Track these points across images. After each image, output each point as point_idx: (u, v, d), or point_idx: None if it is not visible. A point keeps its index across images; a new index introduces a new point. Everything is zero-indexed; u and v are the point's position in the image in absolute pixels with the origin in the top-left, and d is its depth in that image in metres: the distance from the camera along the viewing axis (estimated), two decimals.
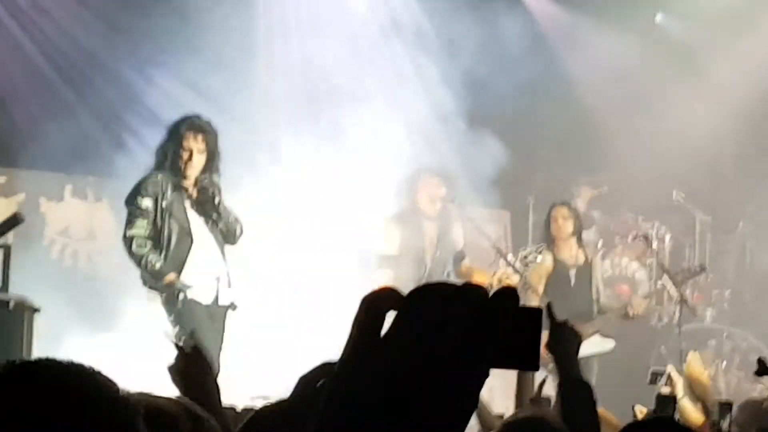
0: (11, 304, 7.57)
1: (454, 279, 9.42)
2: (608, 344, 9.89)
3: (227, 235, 8.23)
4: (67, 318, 9.79)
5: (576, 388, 4.37)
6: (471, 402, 1.24)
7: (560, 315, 9.47)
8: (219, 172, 8.24)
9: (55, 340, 9.12)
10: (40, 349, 7.66)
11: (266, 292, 9.87)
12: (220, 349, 8.03)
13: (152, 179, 8.17)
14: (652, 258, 11.27)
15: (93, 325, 9.96)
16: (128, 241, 8.15)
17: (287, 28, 11.83)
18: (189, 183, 8.18)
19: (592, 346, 9.78)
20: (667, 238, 11.64)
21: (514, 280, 9.43)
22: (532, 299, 9.86)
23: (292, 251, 10.37)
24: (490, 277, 9.41)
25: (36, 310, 7.76)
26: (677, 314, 10.10)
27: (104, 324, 9.92)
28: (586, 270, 9.93)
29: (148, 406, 1.95)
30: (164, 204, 8.08)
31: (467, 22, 11.29)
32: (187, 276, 8.07)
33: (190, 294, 8.03)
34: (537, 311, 1.27)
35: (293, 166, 10.58)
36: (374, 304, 1.26)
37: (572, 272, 9.85)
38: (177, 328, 7.88)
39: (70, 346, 9.12)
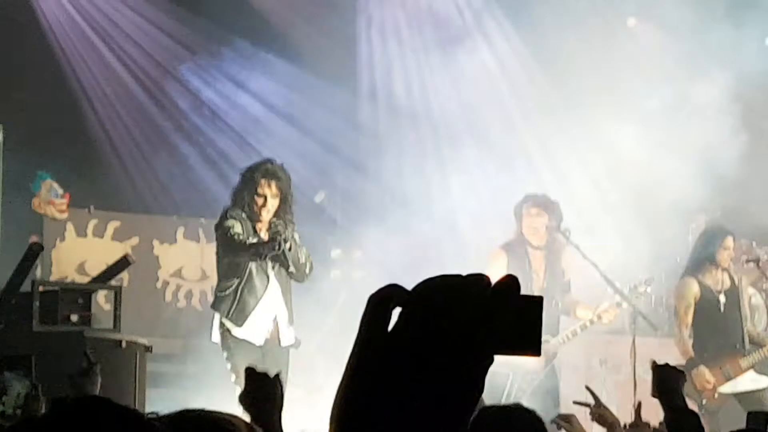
0: (123, 344, 7.73)
1: (561, 312, 9.35)
2: (763, 383, 9.67)
3: (297, 275, 8.48)
4: (180, 357, 9.94)
5: (683, 416, 4.62)
6: (476, 388, 1.28)
7: (710, 347, 9.45)
8: (292, 213, 8.51)
9: (168, 380, 9.27)
10: (151, 388, 7.82)
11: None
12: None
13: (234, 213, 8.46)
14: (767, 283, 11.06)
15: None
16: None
17: None
18: (262, 226, 8.46)
19: (744, 383, 9.63)
20: None
21: (616, 313, 9.32)
22: (681, 331, 9.73)
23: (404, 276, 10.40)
24: (594, 310, 9.32)
25: (148, 349, 7.91)
26: None
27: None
28: (734, 295, 9.81)
29: (204, 417, 1.98)
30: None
31: None
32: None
33: (242, 334, 8.29)
34: (538, 299, 1.31)
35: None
36: (380, 301, 1.30)
37: (721, 298, 9.73)
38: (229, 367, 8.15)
39: (187, 387, 9.26)
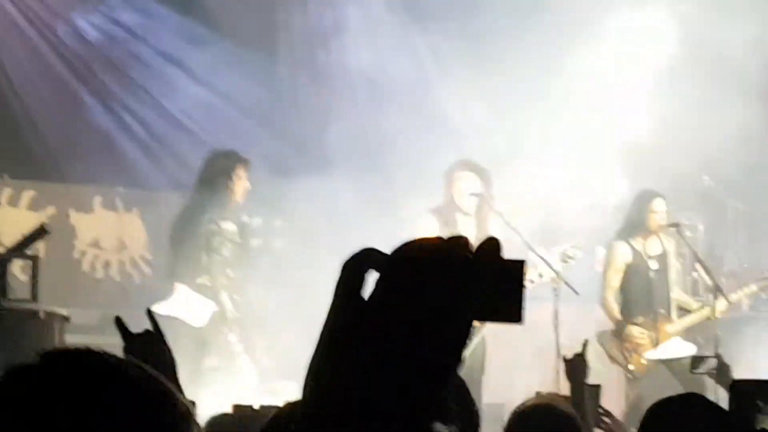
0: (41, 314, 7.58)
1: None
2: (690, 349, 9.64)
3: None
4: (99, 328, 9.80)
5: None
6: (456, 355, 1.23)
7: (636, 312, 9.51)
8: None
9: None
10: None
11: (293, 286, 9.79)
12: None
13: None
14: (685, 248, 11.14)
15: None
16: None
17: None
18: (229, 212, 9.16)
19: (671, 350, 9.67)
20: (700, 227, 11.54)
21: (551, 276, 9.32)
22: (608, 296, 9.76)
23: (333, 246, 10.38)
24: (531, 273, 9.31)
25: (66, 319, 7.78)
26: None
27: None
28: (664, 261, 9.85)
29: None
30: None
31: None
32: None
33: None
34: (519, 263, 1.25)
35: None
36: (354, 266, 1.25)
37: (652, 264, 9.76)
38: None
39: None
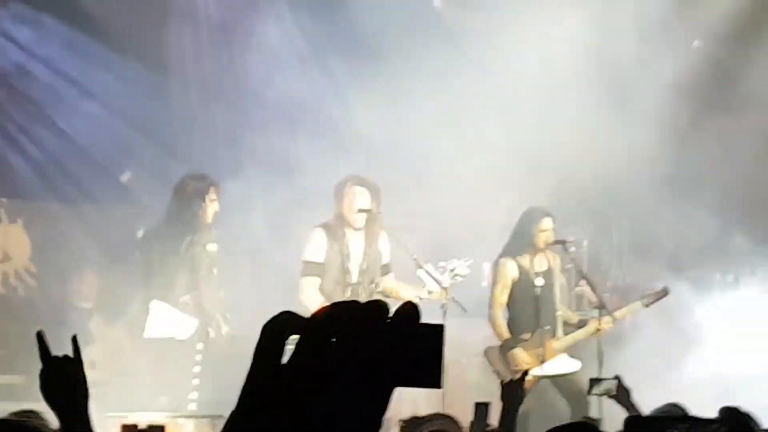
0: None
1: (380, 292, 9.35)
2: (574, 366, 9.78)
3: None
4: None
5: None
6: (376, 422, 1.23)
7: (524, 329, 9.59)
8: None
9: None
10: None
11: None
12: None
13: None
14: (570, 264, 11.26)
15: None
16: None
17: None
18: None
19: (557, 366, 9.75)
20: (585, 243, 11.67)
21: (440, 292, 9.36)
22: (496, 312, 9.80)
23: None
24: (419, 290, 9.34)
25: None
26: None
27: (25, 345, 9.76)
28: (550, 278, 9.92)
29: None
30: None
31: None
32: None
33: None
34: (438, 327, 1.25)
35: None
36: (274, 329, 1.25)
37: (538, 281, 9.82)
38: None
39: None
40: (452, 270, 9.40)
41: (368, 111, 10.92)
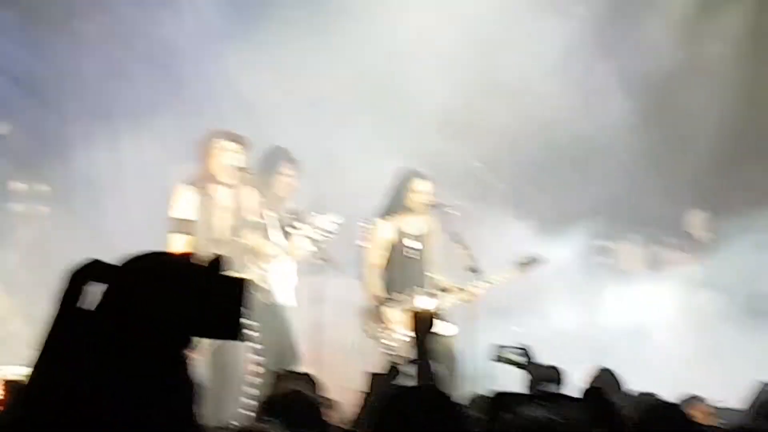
0: None
1: (247, 249, 9.28)
2: (449, 330, 9.73)
3: None
4: None
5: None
6: (173, 368, 1.25)
7: (396, 291, 9.65)
8: None
9: None
10: None
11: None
12: None
13: None
14: (447, 228, 11.30)
15: None
16: None
17: None
18: None
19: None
20: (462, 206, 11.71)
21: (305, 247, 9.36)
22: (366, 272, 9.82)
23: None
24: (288, 246, 9.33)
25: None
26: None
27: None
28: (427, 241, 9.94)
29: None
30: None
31: None
32: None
33: None
34: (240, 281, 1.26)
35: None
36: (77, 277, 1.32)
37: (414, 244, 9.86)
38: None
39: None
40: (317, 226, 9.34)
41: (259, 70, 10.89)
